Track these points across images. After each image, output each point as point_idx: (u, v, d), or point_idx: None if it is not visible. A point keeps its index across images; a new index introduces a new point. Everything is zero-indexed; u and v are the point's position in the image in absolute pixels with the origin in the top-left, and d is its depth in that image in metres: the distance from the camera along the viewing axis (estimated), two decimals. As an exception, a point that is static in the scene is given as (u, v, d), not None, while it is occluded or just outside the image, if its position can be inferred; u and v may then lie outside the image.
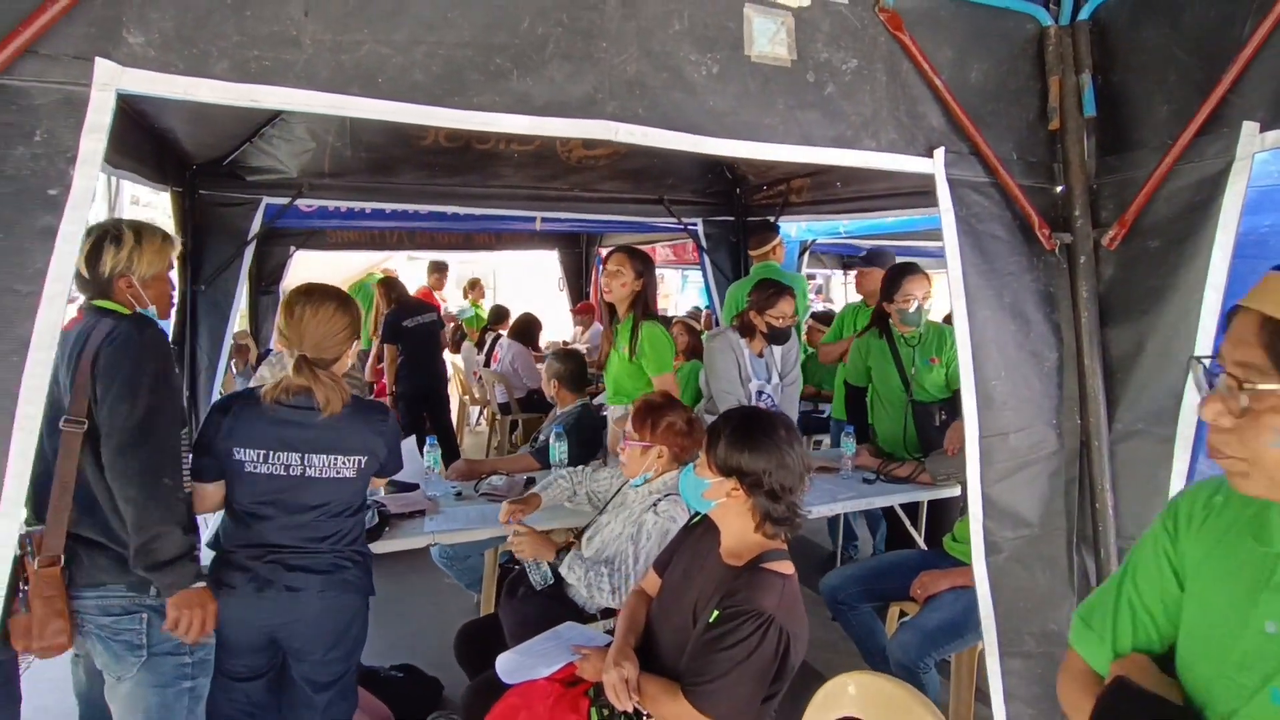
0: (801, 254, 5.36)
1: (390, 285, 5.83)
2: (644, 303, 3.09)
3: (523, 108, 1.16)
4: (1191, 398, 1.50)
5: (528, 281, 9.28)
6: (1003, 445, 1.60)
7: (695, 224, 4.99)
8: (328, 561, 1.91)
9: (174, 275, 2.16)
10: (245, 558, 1.86)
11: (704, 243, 5.00)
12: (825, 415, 5.41)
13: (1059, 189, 1.62)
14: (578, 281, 8.39)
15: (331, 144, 3.77)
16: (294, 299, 1.95)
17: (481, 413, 7.21)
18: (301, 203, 4.10)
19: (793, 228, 4.94)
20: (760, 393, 3.26)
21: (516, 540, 2.27)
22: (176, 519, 1.67)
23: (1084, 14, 1.55)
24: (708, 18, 1.28)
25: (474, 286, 8.48)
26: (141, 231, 2.01)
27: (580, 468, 2.65)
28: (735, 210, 5.03)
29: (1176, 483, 1.55)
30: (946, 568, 2.70)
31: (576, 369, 3.55)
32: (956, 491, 3.13)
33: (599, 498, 2.53)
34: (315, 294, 1.98)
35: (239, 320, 8.34)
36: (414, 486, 2.76)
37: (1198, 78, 1.38)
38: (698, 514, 1.89)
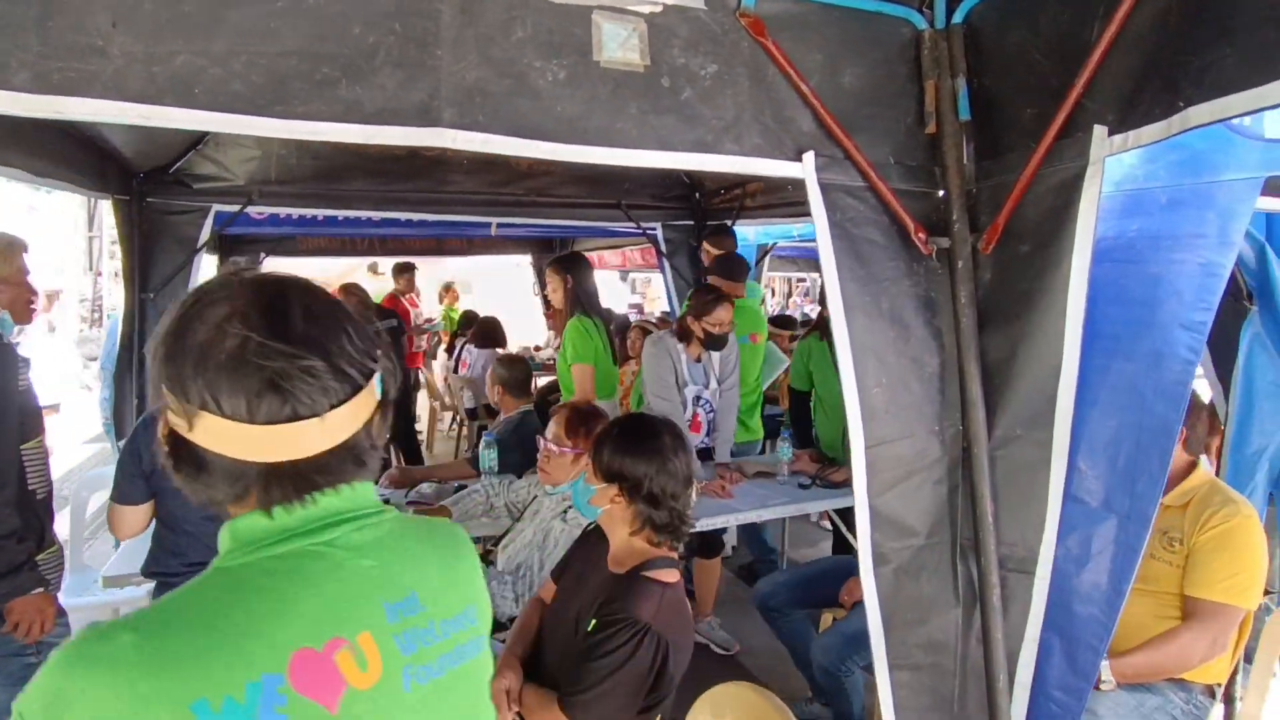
0: (761, 258, 5.35)
1: (350, 291, 5.80)
2: (580, 302, 3.42)
3: (352, 116, 1.15)
4: (1065, 401, 1.49)
5: (504, 286, 9.26)
6: (887, 454, 1.58)
7: (655, 228, 4.99)
8: None
9: (32, 281, 2.14)
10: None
11: (663, 247, 5.00)
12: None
13: (940, 193, 1.61)
14: (551, 286, 8.36)
15: (277, 152, 3.78)
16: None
17: (454, 419, 7.19)
18: (253, 210, 4.10)
19: (750, 231, 4.93)
20: (698, 398, 3.26)
21: None
22: (4, 530, 1.69)
23: (957, 17, 1.54)
24: (553, 24, 1.27)
25: (448, 290, 8.47)
26: (6, 237, 2.01)
27: (500, 479, 2.63)
28: (695, 214, 5.03)
29: (1055, 488, 1.54)
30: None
31: (521, 375, 3.54)
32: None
33: (518, 508, 2.52)
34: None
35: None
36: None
37: (1054, 82, 1.37)
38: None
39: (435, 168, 4.10)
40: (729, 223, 4.64)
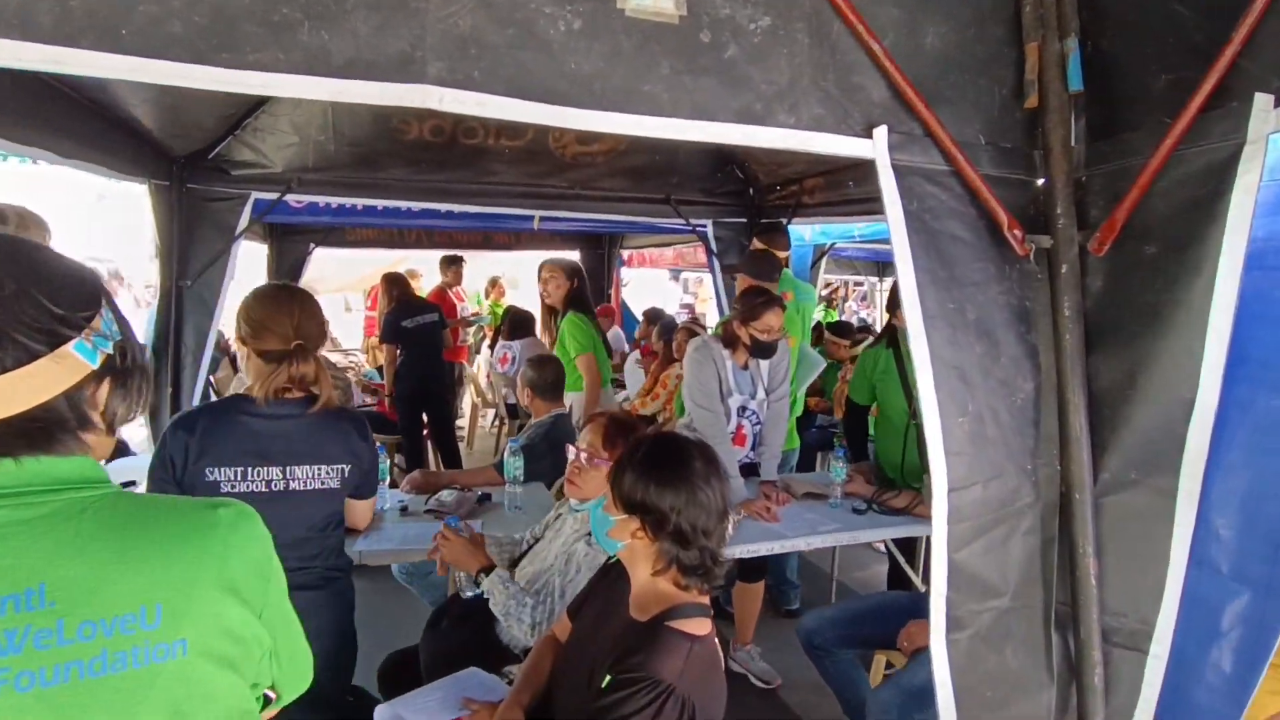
0: (818, 260, 5.03)
1: (392, 282, 5.71)
2: (577, 301, 3.79)
3: (317, 67, 0.94)
4: (1199, 441, 1.20)
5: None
6: (970, 499, 1.31)
7: (705, 226, 4.73)
8: (320, 576, 1.80)
9: None
10: None
11: (713, 245, 4.74)
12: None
13: (1040, 181, 1.33)
14: (599, 283, 8.18)
15: (314, 138, 3.64)
16: (275, 293, 1.85)
17: (495, 416, 7.04)
18: (291, 198, 4.00)
19: (807, 231, 4.62)
20: (743, 409, 2.99)
21: (441, 543, 2.03)
22: None
23: (1070, -35, 1.26)
24: (569, -38, 1.04)
25: (494, 286, 8.36)
26: (25, 215, 1.91)
27: (526, 488, 2.40)
28: (748, 211, 4.76)
29: (1179, 548, 1.24)
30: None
31: (553, 377, 3.33)
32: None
33: (537, 537, 2.29)
34: (296, 290, 1.90)
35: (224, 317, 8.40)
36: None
37: (1199, 39, 1.08)
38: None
39: (475, 157, 3.92)
40: (784, 221, 4.36)
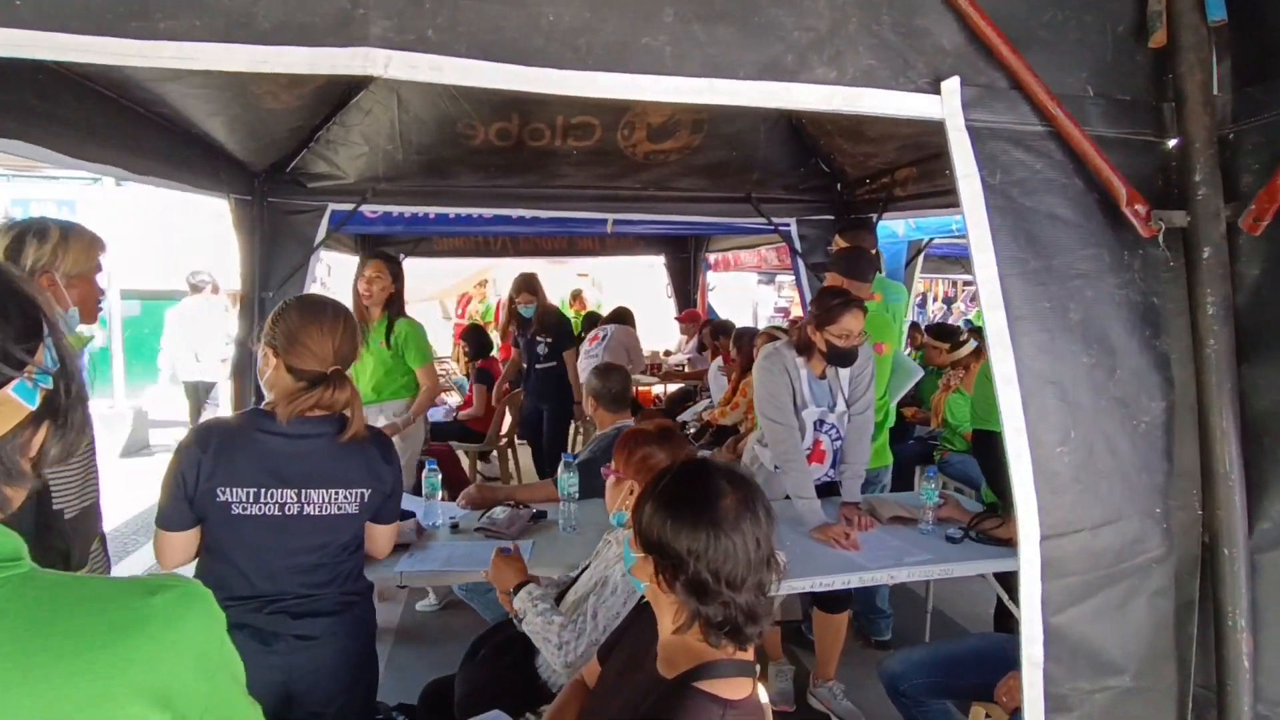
0: (914, 257, 4.64)
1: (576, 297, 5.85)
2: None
3: (240, 34, 0.79)
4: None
5: (635, 287, 8.98)
6: (1076, 548, 1.03)
7: (788, 224, 4.45)
8: (335, 602, 1.70)
9: (101, 280, 2.02)
10: (241, 611, 1.63)
11: (798, 245, 4.45)
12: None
13: (1171, 142, 1.03)
14: (685, 287, 7.99)
15: (383, 147, 3.64)
16: (318, 308, 1.73)
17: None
18: (366, 209, 4.03)
19: (900, 226, 4.26)
20: (820, 422, 2.71)
21: (493, 563, 1.96)
22: None
23: None
24: (545, -109, 0.85)
25: (575, 299, 8.32)
26: (69, 230, 1.90)
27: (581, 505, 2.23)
28: (835, 207, 4.44)
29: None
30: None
31: (619, 388, 3.16)
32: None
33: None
34: (333, 305, 1.78)
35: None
36: (408, 515, 2.48)
37: None
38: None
39: (543, 160, 3.82)
40: (874, 216, 4.03)
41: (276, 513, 1.62)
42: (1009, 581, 2.54)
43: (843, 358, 2.61)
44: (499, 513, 2.55)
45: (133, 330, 9.81)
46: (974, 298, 16.12)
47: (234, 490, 1.59)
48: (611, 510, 1.87)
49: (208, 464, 1.59)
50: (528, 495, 2.81)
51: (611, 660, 1.44)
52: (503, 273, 8.53)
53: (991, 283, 0.99)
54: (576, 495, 2.53)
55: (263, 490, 1.61)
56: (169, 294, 9.76)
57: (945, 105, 0.98)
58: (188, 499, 1.59)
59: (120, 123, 2.55)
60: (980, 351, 4.70)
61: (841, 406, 2.73)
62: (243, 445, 1.62)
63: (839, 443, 2.76)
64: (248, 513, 1.60)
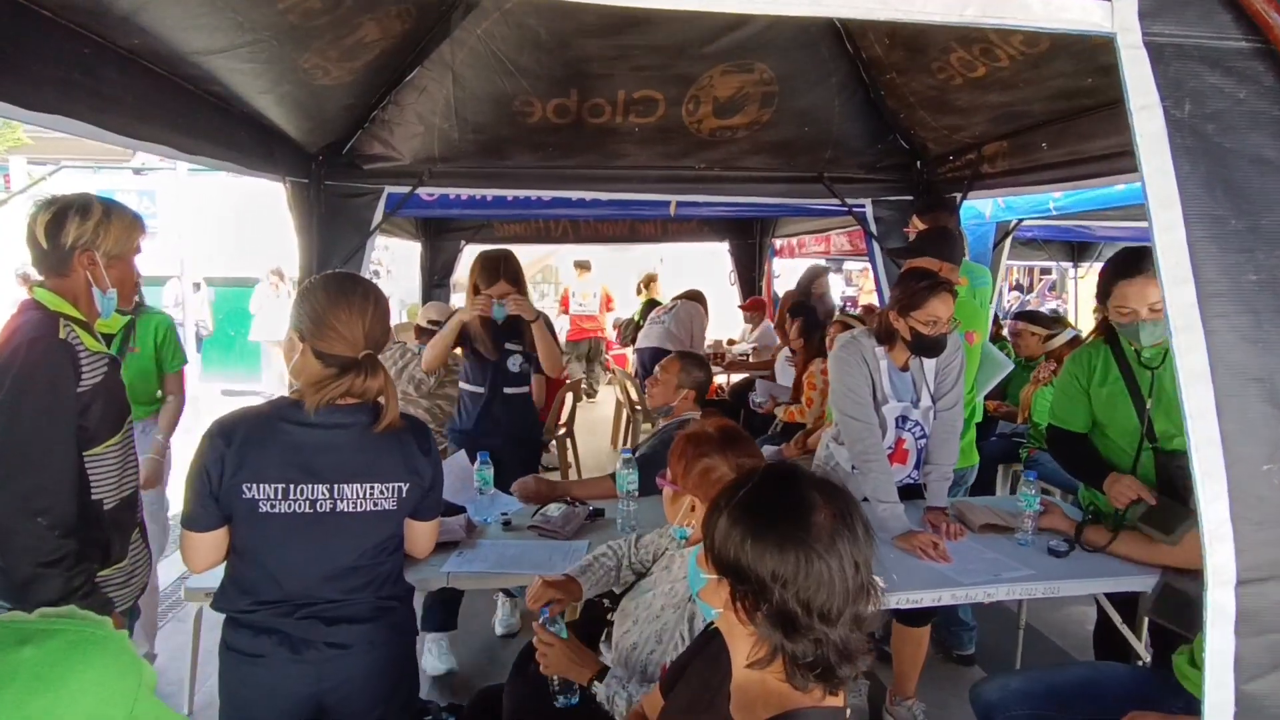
0: (1001, 240, 4.29)
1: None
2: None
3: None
4: None
5: (699, 275, 8.74)
6: (1270, 600, 0.80)
7: (863, 206, 4.17)
8: (371, 607, 1.57)
9: (138, 263, 1.94)
10: (269, 616, 1.52)
11: (873, 228, 4.16)
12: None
13: None
14: (750, 274, 7.73)
15: (438, 126, 3.53)
16: (347, 287, 1.59)
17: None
18: (422, 191, 3.93)
19: (987, 206, 3.93)
20: (904, 419, 2.46)
21: (542, 650, 1.67)
22: (47, 558, 1.45)
23: None
24: None
25: (649, 284, 8.15)
26: (112, 208, 1.83)
27: (626, 539, 2.02)
28: (914, 187, 4.13)
29: None
30: (1172, 707, 1.77)
31: (708, 379, 2.99)
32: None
33: (645, 566, 1.93)
34: (369, 285, 1.65)
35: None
36: (459, 510, 2.35)
37: None
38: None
39: (604, 138, 3.65)
40: (959, 196, 3.71)
41: (307, 510, 1.49)
42: (1123, 603, 2.25)
43: (929, 347, 2.35)
44: (554, 510, 2.40)
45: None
46: (1053, 287, 15.20)
47: (260, 486, 1.47)
48: (674, 523, 1.68)
49: (232, 458, 1.47)
50: (584, 491, 2.66)
51: (676, 696, 1.26)
52: (563, 260, 8.46)
53: (1176, 249, 0.76)
54: (636, 492, 2.35)
55: (292, 486, 1.48)
56: (244, 281, 10.07)
57: (1117, 14, 0.74)
58: (213, 496, 1.47)
59: (170, 100, 2.48)
60: (1077, 341, 4.31)
61: (927, 401, 2.47)
62: (269, 437, 1.49)
63: (923, 441, 2.51)
64: (276, 510, 1.48)
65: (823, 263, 6.52)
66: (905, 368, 2.45)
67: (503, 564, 2.09)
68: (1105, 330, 2.34)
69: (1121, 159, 2.79)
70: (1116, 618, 2.20)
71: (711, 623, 1.27)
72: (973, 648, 3.11)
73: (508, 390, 3.20)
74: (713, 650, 1.23)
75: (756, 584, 0.98)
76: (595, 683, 1.60)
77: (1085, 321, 7.32)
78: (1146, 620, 2.20)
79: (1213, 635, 0.83)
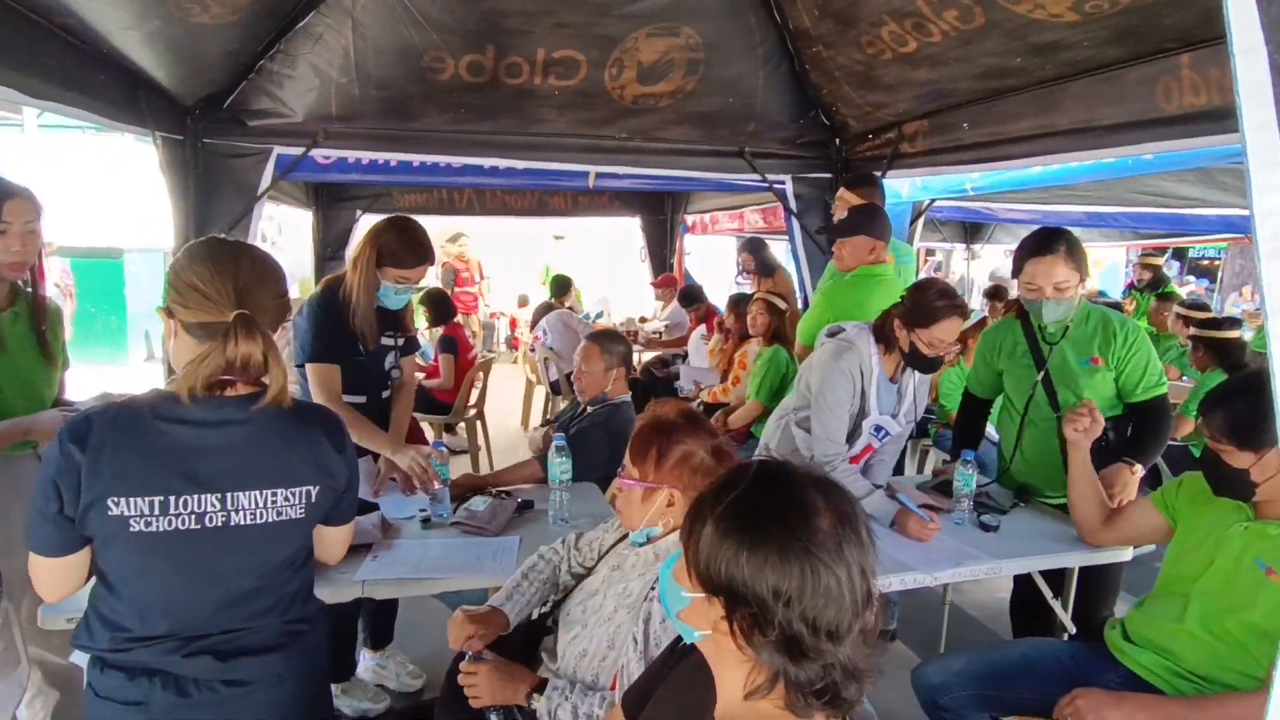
0: (915, 219, 4.35)
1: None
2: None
3: None
4: None
5: (608, 250, 8.59)
6: None
7: (783, 182, 4.12)
8: (276, 634, 1.32)
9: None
10: (149, 654, 1.24)
11: (793, 204, 4.12)
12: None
13: None
14: (661, 251, 7.63)
15: (336, 80, 3.19)
16: (213, 246, 1.31)
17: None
18: (318, 154, 3.57)
19: (905, 185, 3.96)
20: (879, 428, 2.40)
21: (467, 681, 1.49)
22: None
23: None
24: None
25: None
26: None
27: (563, 541, 1.85)
28: (833, 165, 4.12)
29: None
30: (1110, 683, 1.80)
31: (630, 350, 2.84)
32: (1125, 556, 2.18)
33: (586, 567, 1.77)
34: (246, 245, 1.37)
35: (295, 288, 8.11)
36: (371, 507, 2.11)
37: None
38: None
39: (521, 101, 3.41)
40: (878, 173, 3.71)
41: (194, 525, 1.22)
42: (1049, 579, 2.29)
43: (924, 364, 2.29)
44: (478, 503, 2.20)
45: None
46: (938, 269, 15.96)
47: (132, 501, 1.18)
48: (639, 527, 1.53)
49: (89, 467, 1.17)
50: (510, 478, 2.47)
51: (647, 717, 1.12)
52: (472, 232, 8.07)
53: (1276, 218, 0.66)
54: (570, 481, 2.19)
55: (173, 498, 1.20)
56: (105, 252, 9.05)
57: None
58: (66, 515, 1.18)
59: (11, 34, 2.09)
60: (984, 323, 4.46)
61: (904, 411, 2.43)
62: (140, 440, 1.20)
63: (886, 440, 2.48)
64: (153, 529, 1.20)
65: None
66: (895, 379, 2.39)
67: (425, 568, 1.88)
68: (1017, 307, 2.50)
69: (1044, 140, 2.84)
70: (1048, 593, 2.24)
71: (680, 641, 1.14)
72: (895, 623, 3.15)
73: (384, 395, 2.50)
74: (685, 673, 1.10)
75: (756, 604, 0.85)
76: (534, 696, 1.44)
77: (974, 301, 7.66)
78: (1073, 594, 2.26)
79: None
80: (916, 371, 2.38)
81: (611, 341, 2.77)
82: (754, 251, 5.31)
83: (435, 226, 8.02)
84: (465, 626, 1.56)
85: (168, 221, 3.26)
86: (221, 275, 1.24)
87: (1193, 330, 3.94)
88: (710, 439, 1.53)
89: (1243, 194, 3.47)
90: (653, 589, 1.40)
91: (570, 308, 6.38)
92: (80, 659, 1.35)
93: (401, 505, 2.25)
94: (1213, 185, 4.73)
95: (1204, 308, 4.91)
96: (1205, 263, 15.27)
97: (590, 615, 1.54)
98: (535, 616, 1.72)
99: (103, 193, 9.44)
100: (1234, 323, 3.98)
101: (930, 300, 2.20)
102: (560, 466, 2.16)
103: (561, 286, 6.34)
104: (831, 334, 2.44)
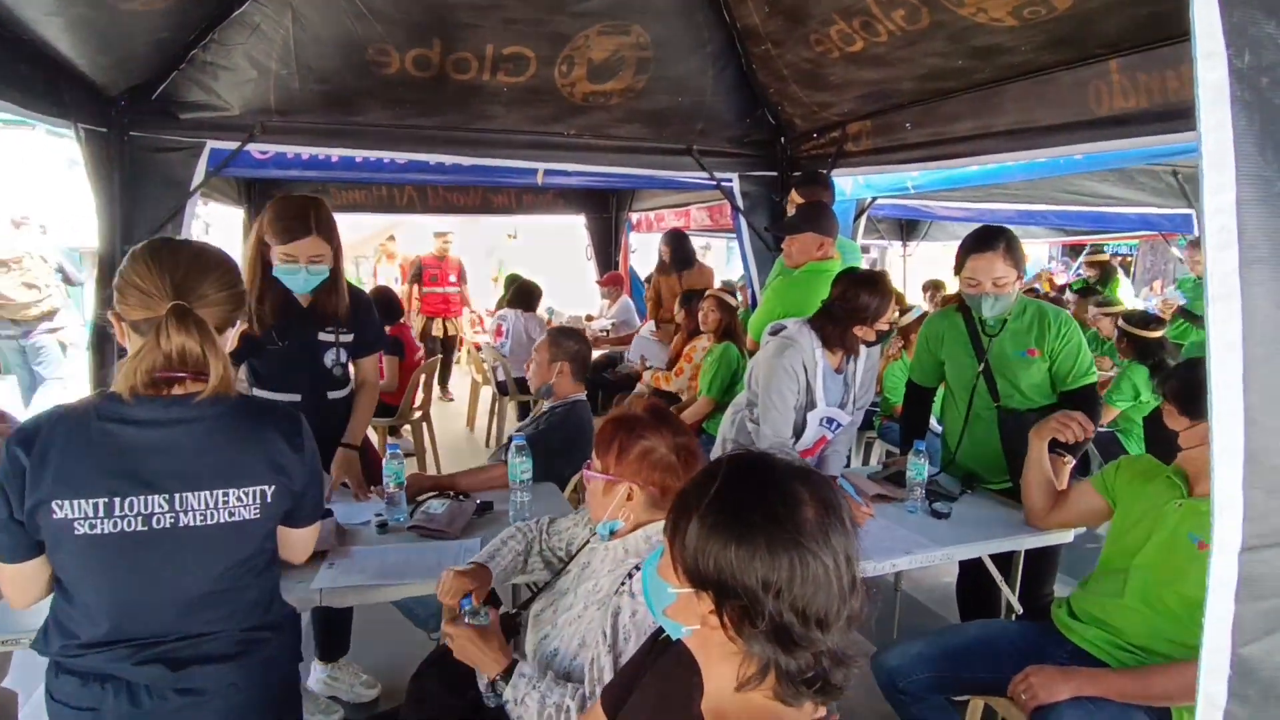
0: (858, 216, 4.46)
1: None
2: None
3: None
4: None
5: (554, 248, 8.53)
6: (1271, 566, 0.80)
7: (730, 180, 4.16)
8: (233, 642, 1.27)
9: None
10: (102, 660, 1.20)
11: (740, 202, 4.17)
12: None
13: None
14: (606, 250, 7.62)
15: (275, 72, 3.08)
16: (157, 245, 1.27)
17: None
18: (255, 148, 3.43)
19: (847, 184, 4.05)
20: (830, 421, 2.45)
21: (448, 633, 1.47)
22: None
23: None
24: None
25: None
26: None
27: (536, 521, 1.85)
28: (779, 164, 4.18)
29: None
30: (1059, 658, 1.89)
31: (586, 351, 2.82)
32: (1067, 538, 2.29)
33: (558, 556, 1.77)
34: (192, 242, 1.33)
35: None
36: (325, 513, 2.05)
37: None
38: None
39: (468, 97, 3.35)
40: (824, 172, 3.79)
41: (141, 528, 1.19)
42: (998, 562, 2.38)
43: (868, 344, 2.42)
44: (435, 506, 2.16)
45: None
46: (874, 264, 16.46)
47: (75, 503, 1.16)
48: (601, 520, 1.53)
49: (34, 469, 1.15)
50: (469, 483, 2.42)
51: (630, 716, 1.11)
52: (409, 232, 7.89)
53: (1225, 213, 0.71)
54: (530, 481, 2.16)
55: (118, 500, 1.17)
56: None
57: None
58: (16, 520, 1.15)
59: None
60: (925, 317, 4.60)
61: (851, 401, 2.49)
62: (84, 442, 1.18)
63: (839, 430, 2.53)
64: (98, 531, 1.17)
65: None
66: (840, 369, 2.44)
67: (385, 573, 1.83)
68: (959, 299, 2.60)
69: (984, 140, 2.94)
70: (998, 576, 2.33)
71: (659, 635, 1.14)
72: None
73: (332, 395, 2.38)
74: (668, 663, 1.10)
75: (746, 596, 0.86)
76: (501, 681, 1.42)
77: (913, 296, 7.90)
78: (1019, 575, 2.35)
79: (1214, 601, 0.83)
80: (860, 359, 2.45)
81: (562, 335, 2.76)
82: (671, 243, 5.36)
83: (379, 224, 7.84)
84: (458, 580, 1.58)
85: (92, 219, 3.08)
86: (159, 270, 1.22)
87: (1120, 324, 4.16)
88: (675, 436, 1.53)
89: (1158, 193, 3.71)
90: (623, 584, 1.40)
91: (548, 319, 6.22)
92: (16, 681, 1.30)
93: (355, 510, 2.19)
94: (1131, 185, 5.01)
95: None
96: (1119, 260, 16.14)
97: (560, 615, 1.53)
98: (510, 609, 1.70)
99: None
100: (1160, 322, 4.21)
101: (866, 293, 2.29)
102: (520, 467, 2.13)
103: (525, 294, 6.02)
104: (774, 332, 2.48)
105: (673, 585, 0.93)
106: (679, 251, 5.51)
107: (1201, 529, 1.76)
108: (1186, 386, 1.85)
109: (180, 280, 1.22)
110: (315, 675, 2.56)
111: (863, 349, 2.44)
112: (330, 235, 2.23)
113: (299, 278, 2.19)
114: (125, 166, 3.13)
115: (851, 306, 2.29)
